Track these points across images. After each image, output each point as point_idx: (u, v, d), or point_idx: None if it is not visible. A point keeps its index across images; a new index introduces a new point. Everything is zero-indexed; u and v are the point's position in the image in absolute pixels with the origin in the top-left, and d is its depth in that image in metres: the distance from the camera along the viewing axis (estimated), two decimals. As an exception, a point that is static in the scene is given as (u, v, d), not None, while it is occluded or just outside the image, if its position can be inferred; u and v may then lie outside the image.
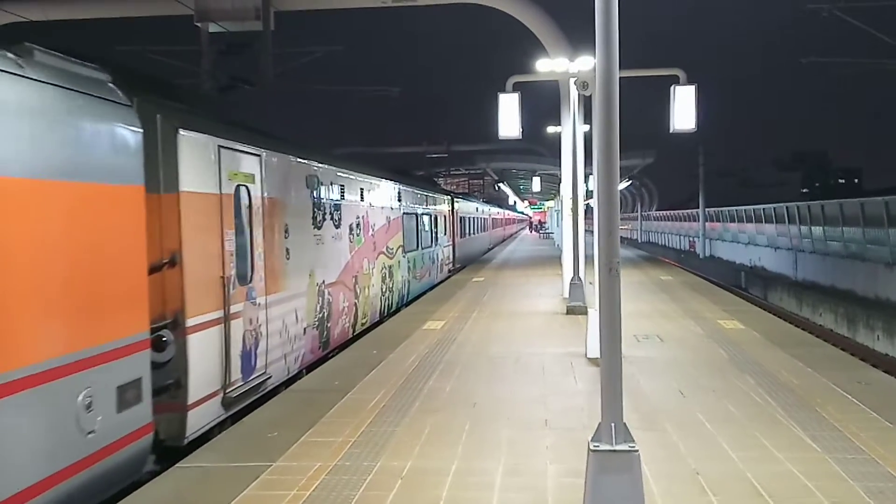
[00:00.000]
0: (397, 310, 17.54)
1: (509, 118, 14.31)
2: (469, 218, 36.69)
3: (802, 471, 6.15)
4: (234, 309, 8.37)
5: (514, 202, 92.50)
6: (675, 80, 13.49)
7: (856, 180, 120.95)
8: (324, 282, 11.87)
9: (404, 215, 18.91)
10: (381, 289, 16.19)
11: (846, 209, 28.50)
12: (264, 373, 9.25)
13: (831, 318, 24.01)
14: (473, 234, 39.05)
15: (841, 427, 7.26)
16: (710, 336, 12.57)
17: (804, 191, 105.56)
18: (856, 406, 8.00)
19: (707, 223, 50.78)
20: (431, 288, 22.06)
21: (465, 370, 10.26)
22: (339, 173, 13.26)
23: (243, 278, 8.72)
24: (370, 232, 15.25)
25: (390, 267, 17.16)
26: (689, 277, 24.62)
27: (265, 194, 9.49)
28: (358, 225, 14.25)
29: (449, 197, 29.37)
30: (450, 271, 27.30)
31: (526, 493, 5.84)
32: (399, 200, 18.39)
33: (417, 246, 20.80)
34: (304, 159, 11.46)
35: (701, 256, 49.53)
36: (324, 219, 12.01)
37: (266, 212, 9.45)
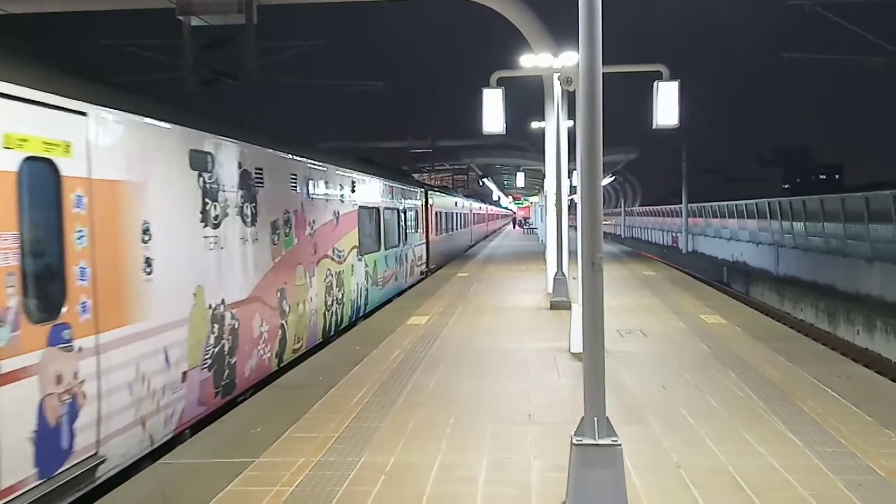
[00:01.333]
0: (352, 324, 14.69)
1: (493, 113, 14.30)
2: (447, 213, 33.84)
3: (783, 464, 6.20)
4: (13, 364, 5.22)
5: (499, 197, 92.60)
6: (659, 76, 13.52)
7: (837, 176, 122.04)
8: (223, 302, 8.65)
9: (360, 210, 15.56)
10: (326, 301, 12.99)
11: (827, 205, 28.73)
12: (93, 455, 6.10)
13: (812, 312, 24.21)
14: (452, 230, 36.18)
15: (821, 421, 7.33)
16: (693, 331, 12.65)
17: (786, 186, 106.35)
18: (836, 400, 8.08)
19: (690, 219, 51.05)
20: (400, 293, 19.54)
21: (450, 365, 10.27)
22: (254, 153, 9.84)
23: (43, 310, 5.63)
24: (307, 230, 11.94)
25: (339, 273, 13.87)
26: (672, 273, 24.74)
27: (95, 174, 6.31)
28: (287, 222, 10.92)
29: (422, 190, 26.14)
30: (423, 273, 24.43)
31: (510, 488, 5.85)
32: (353, 192, 15.05)
33: (379, 246, 17.57)
34: (187, 127, 8.11)
35: (684, 252, 49.79)
36: (224, 214, 8.78)
37: (98, 202, 6.31)
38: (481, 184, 69.23)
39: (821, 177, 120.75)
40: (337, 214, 13.81)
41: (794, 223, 32.12)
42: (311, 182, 12.31)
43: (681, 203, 51.60)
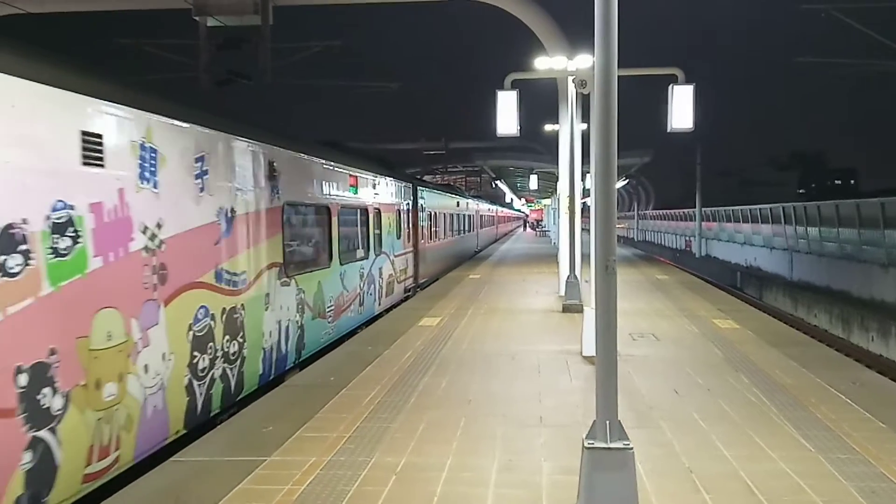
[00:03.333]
0: (276, 380, 10.15)
1: (507, 116, 14.30)
2: (445, 215, 28.91)
3: (796, 470, 6.17)
4: None
5: (511, 199, 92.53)
6: (674, 80, 13.50)
7: (852, 181, 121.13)
8: None
9: (289, 208, 10.79)
10: (195, 365, 7.89)
11: (842, 210, 28.55)
12: None
13: (826, 318, 24.06)
14: (452, 235, 31.03)
15: (834, 427, 7.29)
16: (706, 335, 12.60)
17: (801, 191, 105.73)
18: (849, 406, 8.03)
19: (703, 223, 50.83)
20: (370, 321, 15.18)
21: (461, 367, 10.27)
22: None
23: None
24: (135, 242, 6.82)
25: (233, 311, 8.79)
26: (685, 277, 24.65)
27: None
28: (77, 235, 5.99)
29: (409, 185, 20.98)
30: (409, 290, 20.13)
31: (520, 490, 5.85)
32: (273, 180, 10.13)
33: (329, 260, 12.78)
34: None
35: (697, 256, 49.58)
36: None
37: None
38: (494, 186, 69.19)
39: (836, 182, 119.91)
40: (227, 214, 8.63)
41: (808, 228, 31.93)
42: (147, 156, 7.07)
43: (694, 207, 51.38)
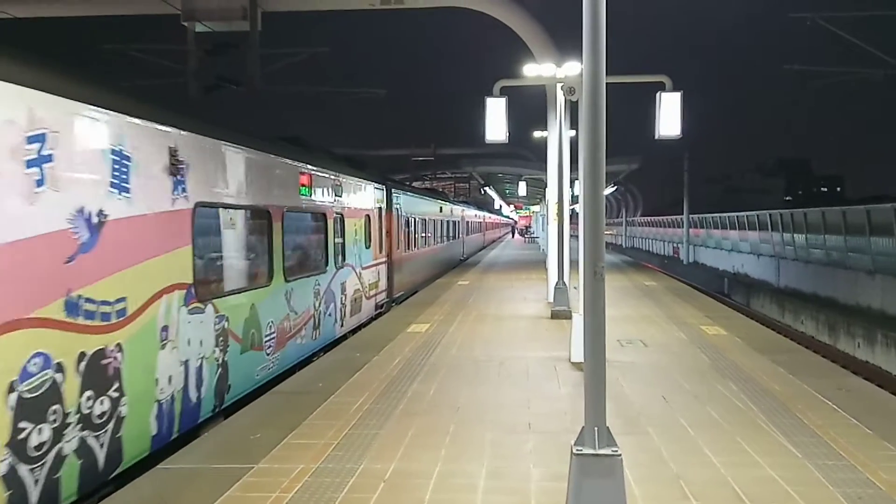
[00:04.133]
0: (189, 435, 7.91)
1: (496, 122, 14.34)
2: (425, 221, 26.51)
3: (783, 476, 6.19)
4: None
5: (500, 206, 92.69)
6: (661, 87, 13.56)
7: (838, 188, 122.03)
8: None
9: (202, 210, 8.39)
10: (13, 447, 5.28)
11: (828, 217, 28.73)
12: None
13: (813, 325, 24.18)
14: (434, 243, 28.71)
15: (821, 433, 7.32)
16: (694, 342, 12.63)
17: (787, 198, 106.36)
18: (836, 412, 8.07)
19: (691, 229, 51.05)
20: (332, 344, 13.07)
21: (450, 373, 10.26)
22: None
23: None
24: None
25: (102, 354, 6.41)
26: (673, 283, 24.73)
27: None
28: None
29: (381, 187, 18.36)
30: (381, 306, 17.85)
31: (509, 497, 5.84)
32: (178, 175, 7.88)
33: (270, 275, 10.44)
34: None
35: (685, 262, 49.78)
36: None
37: None
38: (483, 192, 69.27)
39: (822, 189, 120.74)
40: (92, 219, 6.31)
41: (795, 235, 32.12)
42: None
43: (682, 213, 51.60)
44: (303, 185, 11.97)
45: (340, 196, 14.21)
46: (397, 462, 6.63)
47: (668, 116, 13.37)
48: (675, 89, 13.53)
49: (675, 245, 56.66)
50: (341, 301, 14.07)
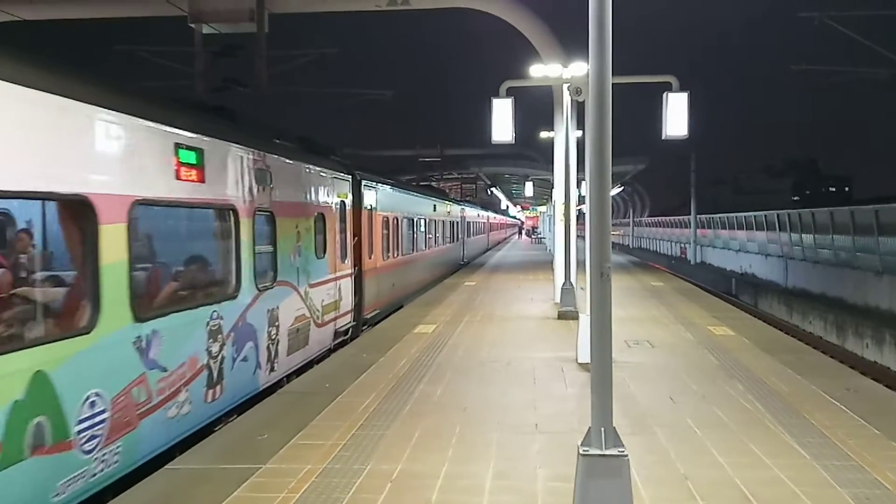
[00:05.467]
0: None
1: (503, 123, 14.33)
2: (413, 221, 22.84)
3: (791, 477, 6.18)
4: None
5: (507, 206, 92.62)
6: (668, 87, 13.54)
7: (846, 189, 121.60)
8: None
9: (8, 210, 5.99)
10: None
11: (836, 217, 28.63)
12: None
13: (821, 325, 24.10)
14: (424, 248, 25.14)
15: (829, 434, 7.30)
16: (701, 342, 12.61)
17: (795, 198, 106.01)
18: (844, 413, 8.04)
19: (698, 230, 50.94)
20: (255, 398, 9.34)
21: (456, 374, 10.26)
22: None
23: None
24: None
25: None
26: (680, 283, 24.68)
27: None
28: None
29: (345, 177, 14.36)
30: (344, 333, 13.80)
31: (515, 497, 5.84)
32: None
33: (94, 316, 6.15)
34: None
35: (692, 263, 49.66)
36: None
37: None
38: (489, 193, 69.24)
39: (830, 189, 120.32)
40: None
41: (803, 235, 32.01)
42: None
43: (689, 214, 51.49)
44: (183, 165, 7.69)
45: (266, 185, 9.88)
46: (404, 463, 6.64)
47: (675, 117, 13.33)
48: (681, 89, 13.50)
49: (682, 245, 56.54)
50: (269, 336, 9.87)
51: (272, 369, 10.05)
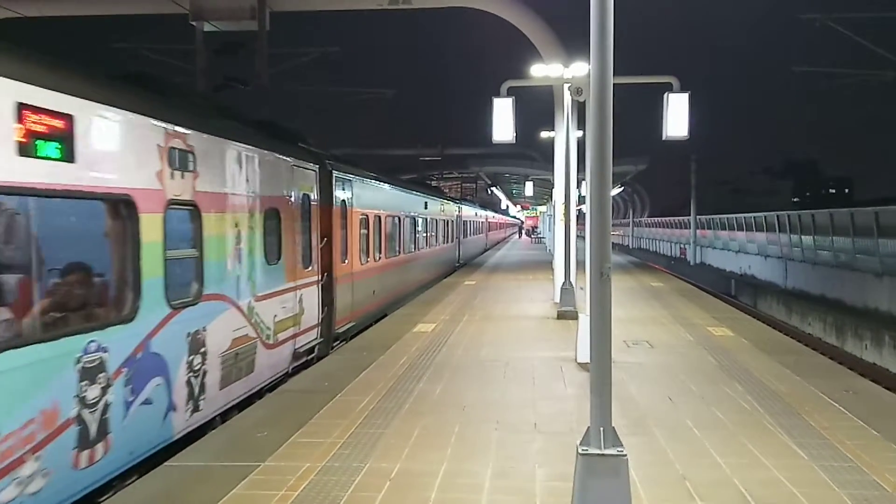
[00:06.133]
0: None
1: (503, 122, 14.33)
2: (399, 220, 20.58)
3: (789, 478, 6.19)
4: None
5: (507, 206, 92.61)
6: (669, 88, 13.54)
7: (846, 190, 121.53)
8: None
9: None
10: None
11: (836, 219, 28.62)
12: None
13: (820, 326, 24.10)
14: (413, 249, 22.89)
15: (828, 435, 7.31)
16: (700, 343, 12.61)
17: (795, 200, 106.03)
18: (843, 414, 8.05)
19: (698, 230, 50.94)
20: (166, 448, 7.31)
21: (456, 373, 10.27)
22: None
23: None
24: None
25: None
26: (680, 284, 24.69)
27: None
28: None
29: (310, 166, 12.28)
30: (307, 353, 11.79)
31: (514, 496, 5.85)
32: None
33: None
34: None
35: (692, 263, 49.66)
36: None
37: None
38: (490, 192, 69.24)
39: (830, 191, 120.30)
40: None
41: (802, 237, 32.01)
42: None
43: (689, 215, 51.50)
44: (34, 134, 5.57)
45: (187, 170, 7.77)
46: (403, 461, 6.65)
47: (676, 117, 13.33)
48: (682, 90, 13.50)
49: (682, 246, 56.54)
50: (190, 367, 7.71)
51: (196, 409, 7.81)
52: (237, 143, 9.23)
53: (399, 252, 20.44)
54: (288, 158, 11.18)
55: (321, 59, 22.01)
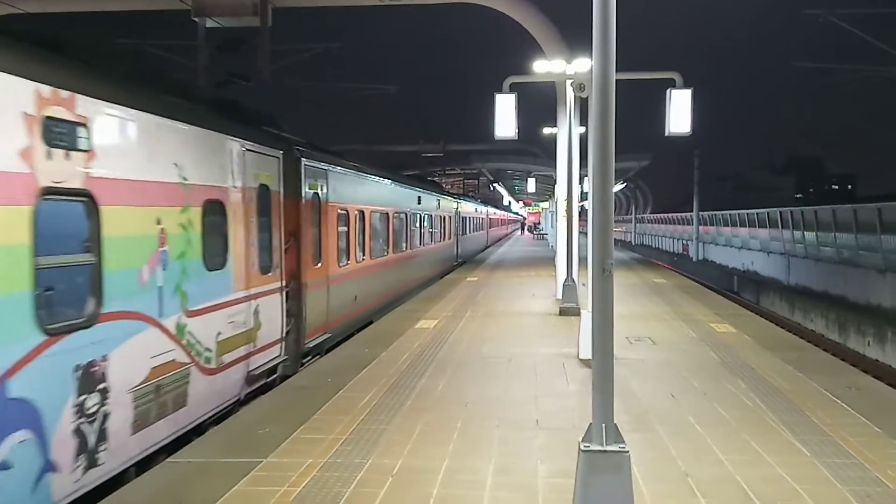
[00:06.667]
0: None
1: (506, 119, 14.31)
2: (387, 217, 18.40)
3: (792, 474, 6.18)
4: None
5: (510, 202, 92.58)
6: (672, 84, 13.52)
7: (849, 186, 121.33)
8: None
9: None
10: None
11: (839, 215, 28.59)
12: None
13: (823, 323, 24.09)
14: (403, 248, 20.80)
15: (830, 431, 7.30)
16: (703, 339, 12.61)
17: (798, 196, 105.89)
18: (846, 411, 8.04)
19: (701, 227, 50.89)
20: None
21: (458, 369, 10.27)
22: None
23: None
24: None
25: None
26: (682, 280, 24.67)
27: None
28: None
29: (269, 152, 10.37)
30: (269, 374, 10.23)
31: (516, 493, 5.85)
32: None
33: None
34: None
35: (694, 260, 49.63)
36: None
37: None
38: (492, 188, 69.23)
39: (833, 187, 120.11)
40: None
41: (805, 233, 31.98)
42: None
43: (692, 211, 51.45)
44: None
45: (76, 146, 6.04)
46: (405, 457, 6.65)
47: (679, 113, 13.31)
48: (685, 86, 13.48)
49: (684, 242, 56.51)
50: (80, 412, 5.94)
51: (92, 465, 6.04)
52: (161, 118, 7.36)
53: (387, 252, 18.53)
54: (238, 140, 9.21)
55: (323, 55, 21.99)
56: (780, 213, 35.39)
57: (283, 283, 10.64)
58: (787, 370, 10.06)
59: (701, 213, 50.79)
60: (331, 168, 13.43)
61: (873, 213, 25.33)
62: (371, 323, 15.25)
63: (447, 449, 6.87)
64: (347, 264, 14.42)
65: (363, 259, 15.85)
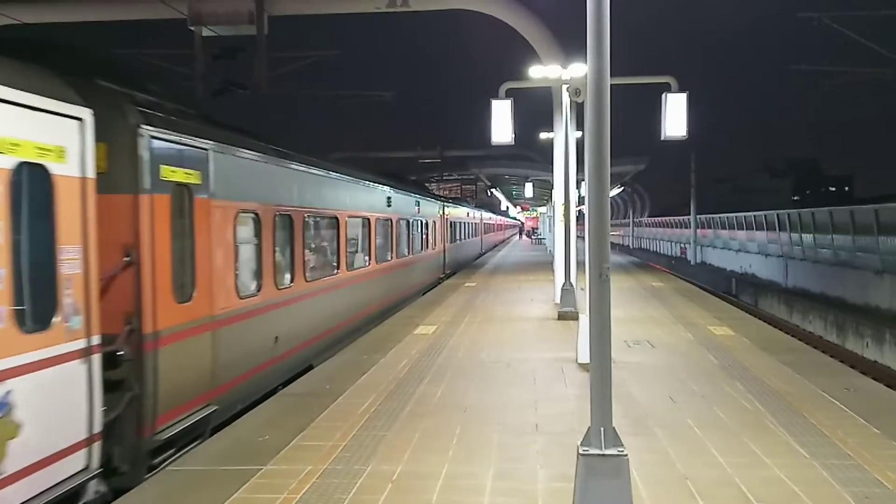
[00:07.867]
0: None
1: (502, 124, 14.35)
2: (339, 221, 14.11)
3: (791, 476, 6.19)
4: None
5: (507, 207, 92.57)
6: (667, 88, 13.56)
7: (846, 188, 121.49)
8: None
9: None
10: None
11: (836, 217, 28.64)
12: None
13: (821, 325, 24.10)
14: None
15: (829, 433, 7.31)
16: (701, 342, 12.62)
17: (795, 198, 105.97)
18: (844, 412, 8.06)
19: (698, 230, 50.94)
20: None
21: (457, 375, 10.27)
22: None
23: None
24: None
25: None
26: (680, 284, 24.68)
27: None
28: None
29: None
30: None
31: (516, 498, 5.86)
32: None
33: None
34: None
35: (692, 263, 49.66)
36: None
37: None
38: (489, 194, 69.20)
39: (830, 189, 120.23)
40: None
41: (803, 235, 32.03)
42: None
43: (689, 214, 51.50)
44: None
45: None
46: (405, 463, 6.65)
47: (674, 117, 13.36)
48: (680, 90, 13.52)
49: (682, 245, 56.55)
50: None
51: None
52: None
53: (336, 269, 14.03)
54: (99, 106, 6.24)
55: (320, 62, 22.04)
56: (778, 215, 35.45)
57: (89, 342, 6.06)
58: (786, 372, 10.07)
59: (698, 216, 50.86)
60: (214, 147, 8.65)
61: (870, 214, 25.38)
62: (311, 367, 11.55)
63: (447, 454, 6.88)
64: (258, 294, 10.00)
65: (290, 284, 11.37)
